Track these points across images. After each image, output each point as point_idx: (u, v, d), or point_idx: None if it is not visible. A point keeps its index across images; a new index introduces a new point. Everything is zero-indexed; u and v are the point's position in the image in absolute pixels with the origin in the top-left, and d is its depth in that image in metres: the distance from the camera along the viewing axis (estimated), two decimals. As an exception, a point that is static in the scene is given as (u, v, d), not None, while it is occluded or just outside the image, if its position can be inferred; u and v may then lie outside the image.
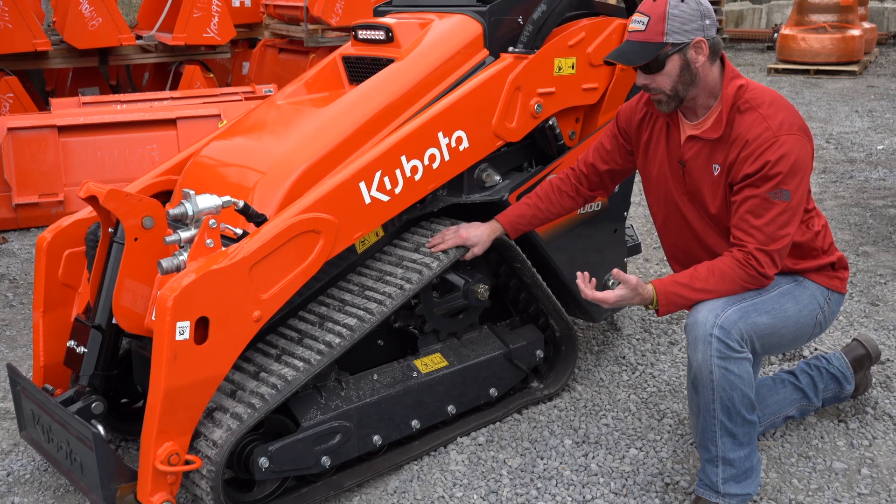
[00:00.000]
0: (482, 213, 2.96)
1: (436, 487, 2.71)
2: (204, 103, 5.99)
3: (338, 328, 2.60)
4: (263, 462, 2.44)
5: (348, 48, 3.22)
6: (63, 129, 5.49)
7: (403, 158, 2.72)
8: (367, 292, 2.72)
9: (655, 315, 3.46)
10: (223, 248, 2.38)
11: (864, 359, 3.04)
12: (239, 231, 2.49)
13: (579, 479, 2.73)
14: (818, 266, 2.55)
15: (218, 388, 2.42)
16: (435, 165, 2.81)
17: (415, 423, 2.81)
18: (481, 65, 2.99)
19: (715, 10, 6.24)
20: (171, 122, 5.69)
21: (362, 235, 2.69)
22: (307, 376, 2.49)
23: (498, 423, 3.04)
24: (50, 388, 2.76)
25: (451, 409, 2.90)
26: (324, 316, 2.68)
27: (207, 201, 2.40)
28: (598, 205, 3.26)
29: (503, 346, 3.04)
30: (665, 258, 4.52)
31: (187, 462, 2.33)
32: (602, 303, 2.42)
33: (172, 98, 6.15)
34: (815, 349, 3.52)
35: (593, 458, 2.84)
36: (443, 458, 2.85)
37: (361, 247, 2.86)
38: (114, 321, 2.56)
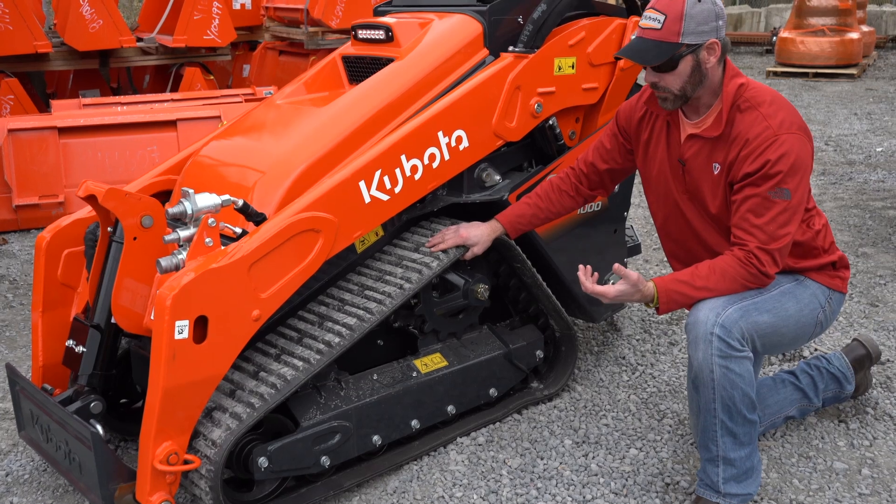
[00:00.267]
0: (482, 212, 2.96)
1: (435, 487, 2.70)
2: (204, 105, 5.99)
3: (337, 328, 2.60)
4: (263, 462, 2.44)
5: (348, 48, 3.22)
6: (63, 131, 5.49)
7: (403, 158, 2.72)
8: (367, 292, 2.72)
9: (655, 313, 3.46)
10: (222, 247, 2.37)
11: (864, 359, 3.03)
12: (238, 230, 2.49)
13: (579, 479, 2.73)
14: (819, 265, 2.55)
15: (217, 387, 2.41)
16: (435, 165, 2.80)
17: (414, 423, 2.80)
18: (481, 64, 2.99)
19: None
20: (171, 124, 5.69)
21: (362, 235, 2.68)
22: (307, 376, 2.48)
23: (498, 423, 3.04)
24: (49, 387, 2.75)
25: (450, 409, 2.90)
26: (323, 315, 2.68)
27: (206, 200, 2.39)
28: (598, 205, 3.26)
29: (503, 347, 3.04)
30: (665, 259, 4.52)
31: (186, 462, 2.33)
32: (602, 297, 2.41)
33: (173, 100, 6.15)
34: (816, 349, 3.51)
35: (593, 458, 2.84)
36: (442, 459, 2.84)
37: (361, 246, 2.86)
38: (113, 320, 2.55)
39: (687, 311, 2.45)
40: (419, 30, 3.05)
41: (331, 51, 7.42)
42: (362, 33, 3.14)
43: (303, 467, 2.55)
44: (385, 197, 2.69)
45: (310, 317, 2.71)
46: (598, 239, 3.32)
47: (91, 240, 2.75)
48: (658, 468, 2.77)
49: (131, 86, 8.09)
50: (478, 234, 2.84)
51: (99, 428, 2.47)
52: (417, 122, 2.76)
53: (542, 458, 2.84)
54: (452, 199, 2.96)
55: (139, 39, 7.35)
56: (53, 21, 7.79)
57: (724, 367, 2.33)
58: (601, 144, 2.85)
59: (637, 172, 2.88)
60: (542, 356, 3.15)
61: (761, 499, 2.60)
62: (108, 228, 2.58)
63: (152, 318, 2.37)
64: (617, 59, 3.12)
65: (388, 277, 2.75)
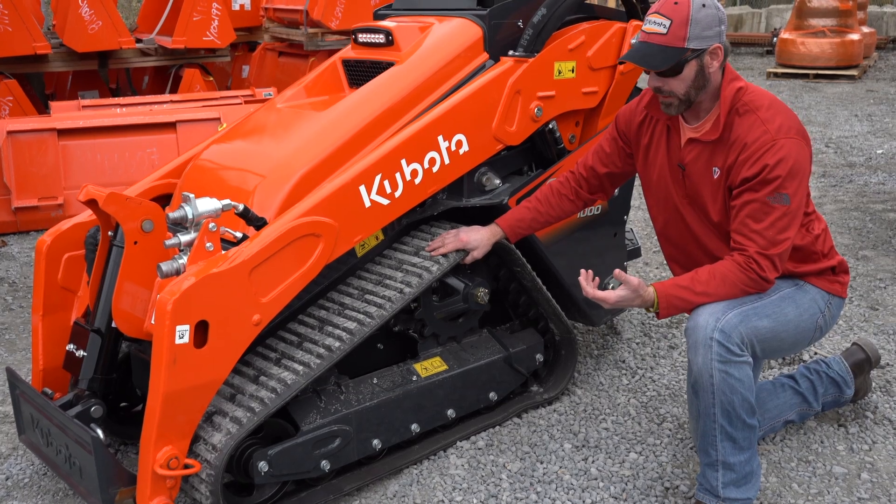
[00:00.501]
0: (482, 216, 2.96)
1: (435, 491, 2.70)
2: (204, 107, 5.99)
3: (337, 332, 2.60)
4: (263, 466, 2.44)
5: (348, 51, 3.22)
6: (63, 133, 5.49)
7: (403, 162, 2.72)
8: (367, 296, 2.72)
9: (655, 318, 3.46)
10: (223, 252, 2.38)
11: (863, 363, 3.03)
12: (239, 235, 2.49)
13: (579, 483, 2.73)
14: (819, 270, 2.55)
15: (217, 391, 2.42)
16: (435, 169, 2.80)
17: (414, 427, 2.80)
18: (481, 68, 2.99)
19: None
20: (170, 126, 5.69)
21: (362, 239, 2.69)
22: (307, 380, 2.48)
23: (497, 427, 3.04)
24: (49, 391, 2.75)
25: (450, 412, 2.90)
26: (323, 319, 2.68)
27: (207, 205, 2.40)
28: (597, 209, 3.26)
29: (503, 350, 3.04)
30: (664, 262, 4.52)
31: (186, 466, 2.33)
32: (603, 302, 2.42)
33: (172, 101, 6.15)
34: (815, 353, 3.52)
35: (593, 462, 2.84)
36: (442, 463, 2.85)
37: (361, 250, 2.86)
38: (113, 325, 2.55)
39: (687, 315, 2.45)
40: (419, 34, 3.05)
41: (330, 52, 7.46)
42: (362, 37, 3.14)
43: (303, 471, 2.55)
44: (385, 201, 2.70)
45: (310, 321, 2.71)
46: (598, 242, 3.32)
47: (91, 244, 2.75)
48: (658, 472, 2.78)
49: (130, 87, 8.09)
50: (478, 238, 2.84)
51: (99, 432, 2.47)
52: (418, 127, 2.77)
53: (541, 462, 2.84)
54: (452, 203, 2.96)
55: (138, 41, 7.35)
56: (52, 22, 7.79)
57: (723, 371, 2.34)
58: (601, 148, 2.86)
59: (637, 176, 2.88)
60: (541, 360, 3.15)
61: (760, 503, 2.61)
62: (109, 232, 2.59)
63: (153, 322, 2.37)
64: (621, 62, 3.11)
65: (388, 281, 2.76)
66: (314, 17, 7.31)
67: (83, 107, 5.89)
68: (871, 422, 3.02)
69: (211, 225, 2.36)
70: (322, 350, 2.55)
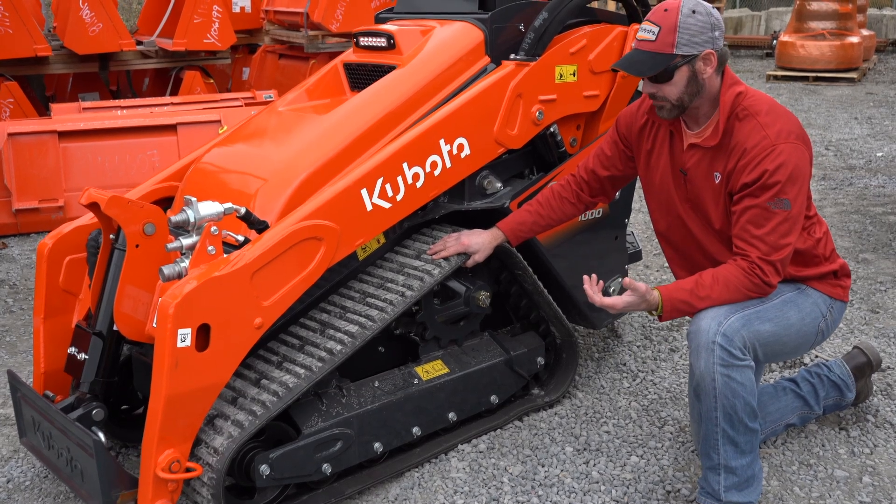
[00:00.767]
0: (483, 220, 2.96)
1: (437, 495, 2.70)
2: (204, 109, 5.99)
3: (339, 335, 2.60)
4: (264, 469, 2.44)
5: (350, 55, 3.22)
6: (63, 135, 5.50)
7: (405, 165, 2.72)
8: (369, 299, 2.72)
9: (657, 321, 3.46)
10: (225, 255, 2.38)
11: (865, 366, 3.03)
12: (241, 238, 2.49)
13: (580, 486, 2.73)
14: (821, 274, 2.55)
15: (219, 395, 2.42)
16: (436, 172, 2.81)
17: (416, 431, 2.80)
18: (483, 72, 2.99)
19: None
20: (171, 128, 5.70)
21: (364, 242, 2.69)
22: (308, 383, 2.48)
23: (499, 430, 3.04)
24: (50, 394, 2.75)
25: (451, 416, 2.90)
26: (325, 323, 2.68)
27: (209, 208, 2.40)
28: (599, 212, 3.26)
29: (504, 353, 3.04)
30: (665, 265, 4.52)
31: (188, 469, 2.33)
32: (610, 309, 2.43)
33: (173, 104, 6.15)
34: (816, 356, 3.52)
35: (594, 465, 2.84)
36: (444, 466, 2.85)
37: (363, 254, 2.86)
38: (115, 328, 2.56)
39: (688, 317, 2.46)
40: (421, 37, 3.05)
41: (331, 54, 7.47)
42: (364, 41, 3.14)
43: (304, 475, 2.55)
44: (387, 205, 2.70)
45: (311, 324, 2.71)
46: (599, 245, 3.32)
47: (93, 247, 2.75)
48: (659, 476, 2.78)
49: (131, 89, 8.09)
50: (479, 242, 2.84)
51: (101, 435, 2.47)
52: (419, 130, 2.77)
53: (543, 466, 2.84)
54: (454, 207, 2.97)
55: (139, 43, 7.36)
56: (53, 24, 7.79)
57: (725, 375, 2.34)
58: (602, 151, 2.86)
59: (638, 179, 2.89)
60: (542, 363, 3.15)
61: (762, 507, 2.61)
62: (111, 236, 2.59)
63: (154, 325, 2.37)
64: (614, 70, 3.13)
65: (389, 285, 2.76)
66: (315, 20, 7.31)
67: (84, 109, 5.90)
68: (872, 425, 3.03)
69: (213, 228, 2.36)
70: (323, 353, 2.55)
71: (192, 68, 7.39)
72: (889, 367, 3.43)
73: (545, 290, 3.08)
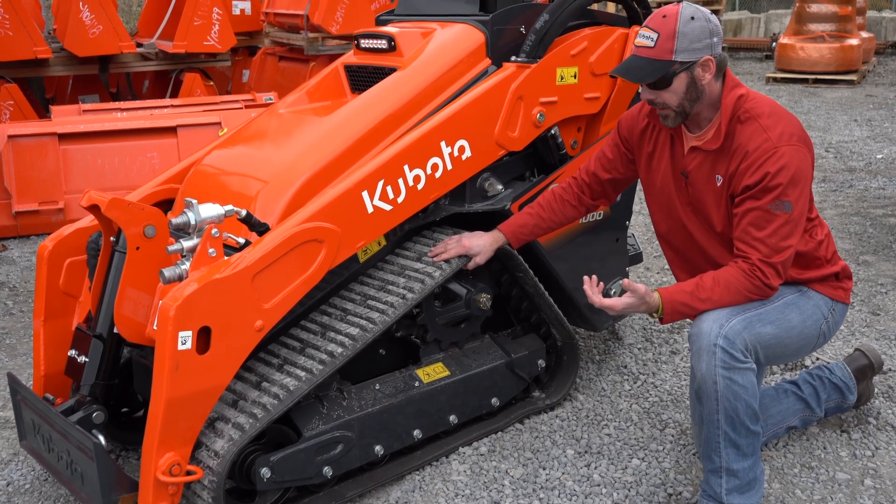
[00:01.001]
0: (484, 222, 2.96)
1: (438, 498, 2.70)
2: (204, 111, 5.99)
3: (340, 338, 2.59)
4: (265, 472, 2.43)
5: (350, 57, 3.22)
6: (63, 137, 5.49)
7: (406, 167, 2.72)
8: (370, 301, 2.72)
9: (658, 323, 3.46)
10: (225, 258, 2.37)
11: (866, 369, 3.03)
12: (241, 240, 2.49)
13: (582, 489, 2.72)
14: (822, 276, 2.55)
15: (220, 397, 2.41)
16: (437, 175, 2.80)
17: (416, 433, 2.80)
18: (484, 74, 2.99)
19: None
20: (171, 130, 5.70)
21: (365, 245, 2.68)
22: (309, 386, 2.48)
23: (500, 432, 3.03)
24: (50, 397, 2.74)
25: (452, 418, 2.90)
26: (326, 325, 2.68)
27: (210, 210, 2.39)
28: (599, 214, 3.26)
29: (505, 356, 3.03)
30: (666, 266, 4.52)
31: (189, 472, 2.32)
32: (609, 310, 2.42)
33: (173, 106, 6.15)
34: (817, 359, 3.51)
35: (596, 468, 2.83)
36: (444, 468, 2.84)
37: (363, 256, 2.86)
38: (115, 330, 2.55)
39: (689, 320, 2.45)
40: (422, 39, 3.05)
41: (331, 56, 7.47)
42: (365, 43, 3.14)
43: (305, 478, 2.54)
44: (388, 207, 2.69)
45: (312, 327, 2.71)
46: (600, 248, 3.32)
47: (93, 249, 2.74)
48: (661, 478, 2.77)
49: (131, 91, 8.10)
50: (480, 244, 2.84)
51: (101, 438, 2.46)
52: (420, 132, 2.77)
53: (544, 468, 2.83)
54: (455, 209, 2.96)
55: (139, 45, 7.36)
56: (53, 26, 7.79)
57: (727, 378, 2.33)
58: (603, 154, 2.86)
59: (639, 181, 2.88)
60: (543, 365, 3.15)
61: (764, 510, 2.61)
62: (111, 238, 2.58)
63: (155, 328, 2.36)
64: (612, 77, 3.13)
65: (390, 287, 2.75)
66: (315, 22, 7.31)
67: (84, 111, 5.90)
68: (873, 428, 3.02)
69: (213, 230, 2.35)
70: (324, 356, 2.54)
71: (192, 70, 7.40)
72: (890, 370, 3.43)
73: (546, 293, 3.07)
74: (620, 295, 2.45)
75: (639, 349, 3.67)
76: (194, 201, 2.39)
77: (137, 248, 2.45)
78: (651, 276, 4.58)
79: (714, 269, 2.44)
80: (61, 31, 7.07)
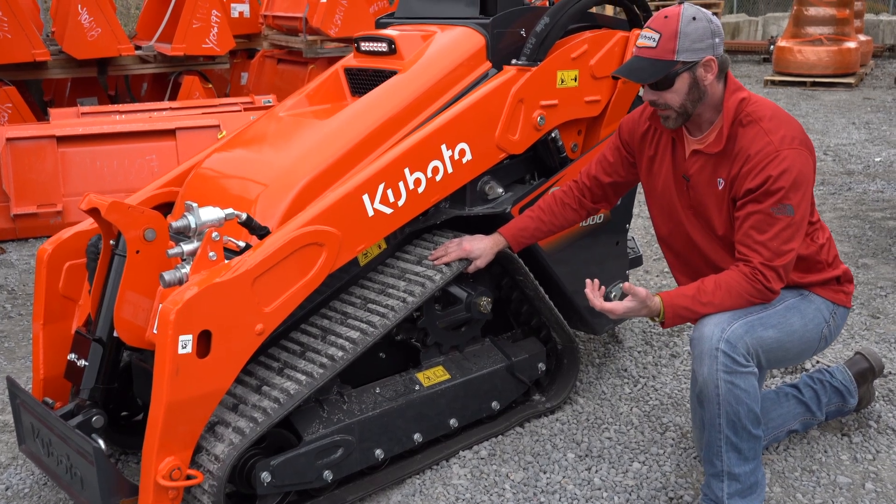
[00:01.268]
0: (485, 225, 2.95)
1: (438, 501, 2.69)
2: (203, 114, 5.99)
3: (340, 341, 2.59)
4: (265, 476, 2.42)
5: (350, 60, 3.21)
6: (62, 140, 5.49)
7: (407, 171, 2.71)
8: (370, 305, 2.71)
9: (659, 327, 3.45)
10: (226, 261, 2.37)
11: (867, 372, 3.03)
12: (242, 244, 2.48)
13: (583, 493, 2.72)
14: (823, 280, 2.55)
15: (220, 401, 2.40)
16: (438, 178, 2.80)
17: (417, 437, 2.79)
18: (484, 77, 2.99)
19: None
20: (170, 133, 5.69)
21: (365, 248, 2.68)
22: (309, 390, 2.47)
23: (500, 436, 3.03)
24: (50, 401, 2.73)
25: (453, 422, 2.89)
26: (326, 329, 2.67)
27: (210, 214, 2.39)
28: (600, 217, 3.26)
29: (505, 359, 3.03)
30: (666, 269, 4.52)
31: (189, 477, 2.31)
32: (610, 313, 2.42)
33: (171, 108, 6.15)
34: (818, 362, 3.51)
35: (596, 472, 2.83)
36: (445, 472, 2.83)
37: (364, 259, 2.85)
38: (115, 334, 2.54)
39: (690, 324, 2.45)
40: (422, 42, 3.05)
41: (329, 59, 7.46)
42: (365, 46, 3.13)
43: (305, 482, 2.53)
44: (388, 210, 2.69)
45: (313, 330, 2.70)
46: (600, 251, 3.32)
47: (93, 252, 2.74)
48: (661, 482, 2.76)
49: (129, 94, 8.09)
50: (481, 248, 2.83)
51: (101, 443, 2.46)
52: (421, 135, 2.76)
53: (544, 472, 2.83)
54: (455, 212, 2.96)
55: (137, 48, 7.35)
56: (51, 29, 7.78)
57: (729, 382, 2.33)
58: (604, 157, 2.85)
59: (639, 184, 2.88)
60: (544, 369, 3.14)
61: (765, 513, 2.60)
62: (111, 241, 2.57)
63: (155, 331, 2.35)
64: (614, 77, 3.13)
65: (390, 290, 2.75)
66: (313, 25, 7.31)
67: (82, 114, 5.89)
68: (874, 431, 3.02)
69: (214, 234, 2.35)
70: (325, 359, 2.54)
71: (190, 73, 7.39)
72: (891, 373, 3.43)
73: (546, 296, 3.07)
74: (621, 298, 2.45)
75: (639, 352, 3.67)
76: (194, 205, 2.39)
77: (137, 252, 2.44)
78: (651, 280, 4.58)
79: (715, 273, 2.44)
80: (60, 33, 7.07)
